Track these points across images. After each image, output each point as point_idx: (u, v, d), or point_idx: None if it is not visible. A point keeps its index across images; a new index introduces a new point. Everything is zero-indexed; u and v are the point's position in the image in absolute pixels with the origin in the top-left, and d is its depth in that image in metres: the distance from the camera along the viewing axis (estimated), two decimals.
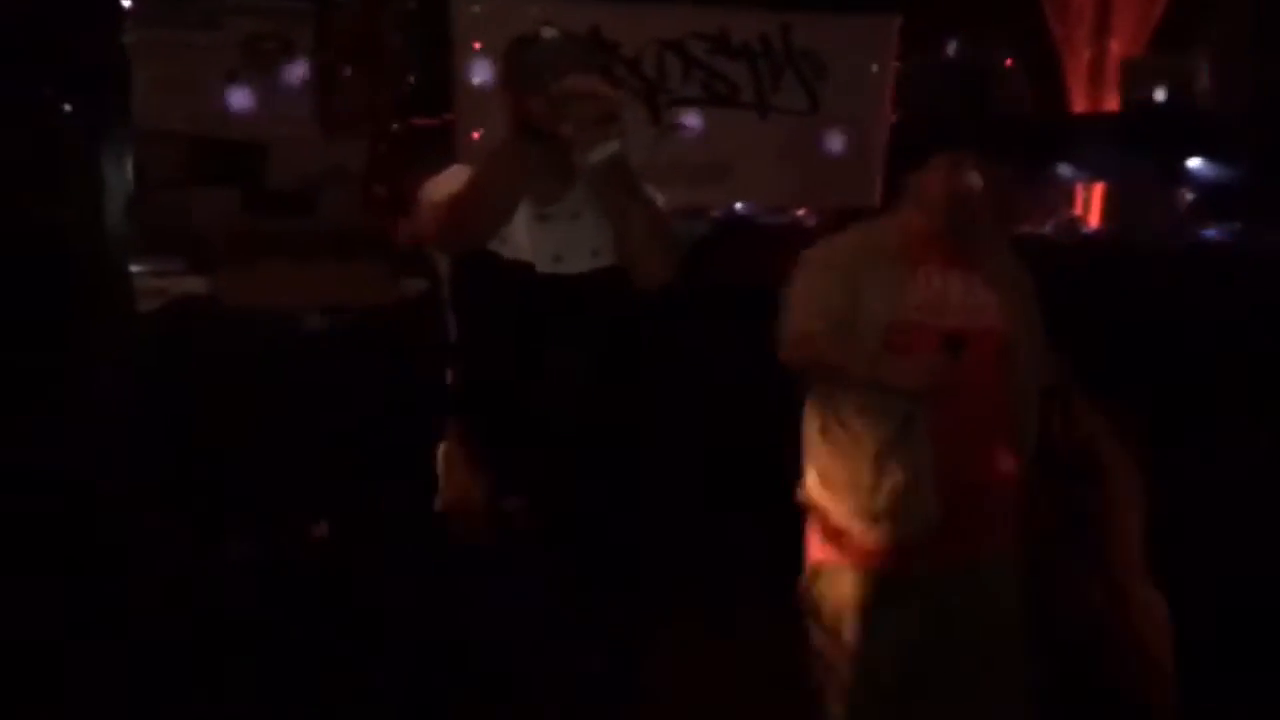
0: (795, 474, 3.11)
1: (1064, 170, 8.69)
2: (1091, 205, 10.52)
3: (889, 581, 2.92)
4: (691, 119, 5.72)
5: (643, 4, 5.84)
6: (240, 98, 5.77)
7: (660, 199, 2.73)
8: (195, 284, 4.78)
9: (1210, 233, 6.91)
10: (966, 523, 2.89)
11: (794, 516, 3.15)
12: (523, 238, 2.66)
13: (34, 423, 3.67)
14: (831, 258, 2.98)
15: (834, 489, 2.99)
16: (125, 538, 3.80)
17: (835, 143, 5.98)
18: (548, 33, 2.74)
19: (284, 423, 4.12)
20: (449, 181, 2.70)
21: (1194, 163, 7.31)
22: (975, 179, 2.87)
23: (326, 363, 4.26)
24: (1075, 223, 8.79)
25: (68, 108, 4.75)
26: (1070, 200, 10.07)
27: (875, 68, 6.04)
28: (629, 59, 5.57)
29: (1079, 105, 11.59)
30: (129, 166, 5.06)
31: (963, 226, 2.90)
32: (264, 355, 4.26)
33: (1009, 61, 11.96)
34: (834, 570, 3.00)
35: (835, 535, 3.00)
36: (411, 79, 6.40)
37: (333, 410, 4.19)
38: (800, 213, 8.52)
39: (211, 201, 5.27)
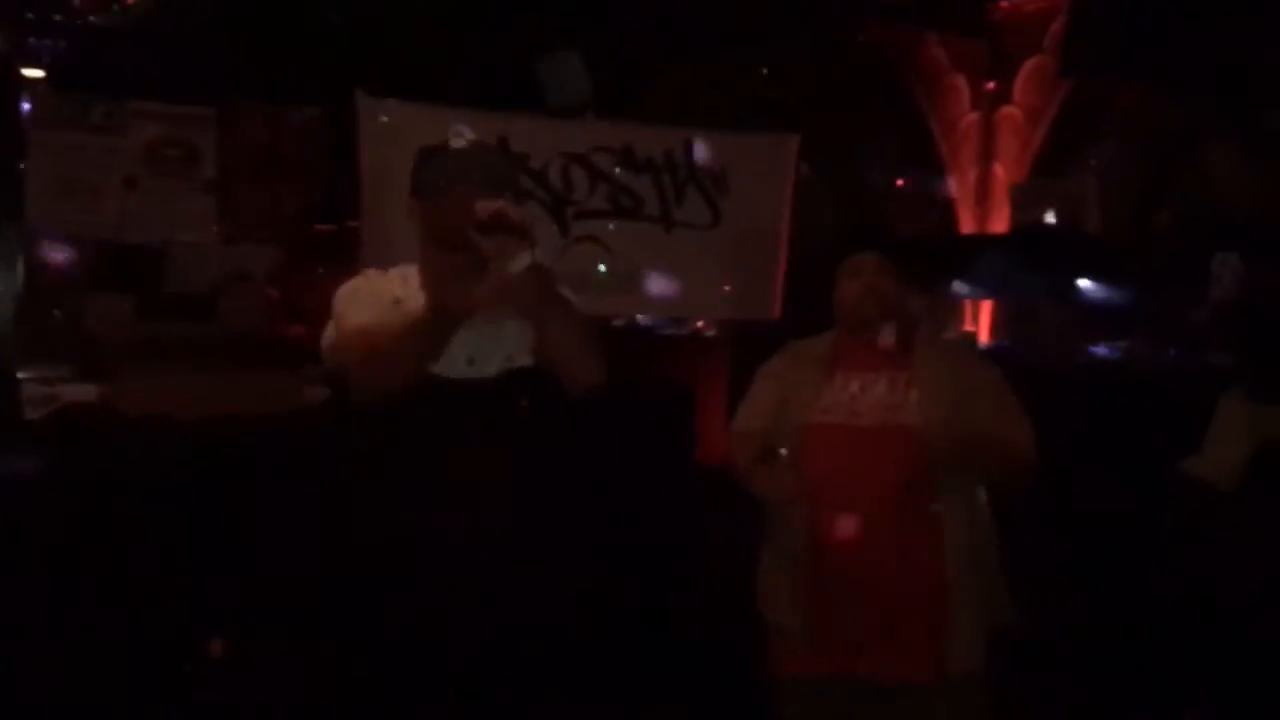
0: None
1: (957, 287, 8.96)
2: (981, 321, 10.87)
3: (795, 689, 2.96)
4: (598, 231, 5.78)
5: (550, 118, 5.92)
6: (139, 203, 5.68)
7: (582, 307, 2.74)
8: (86, 391, 4.62)
9: (1100, 350, 7.15)
10: (872, 628, 2.89)
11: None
12: None
13: None
14: (769, 367, 3.19)
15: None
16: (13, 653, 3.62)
17: (736, 256, 6.07)
18: (457, 142, 2.76)
19: (180, 536, 3.98)
20: (360, 303, 2.69)
21: (1082, 282, 7.59)
22: (877, 281, 3.01)
23: (227, 472, 4.14)
24: (969, 338, 9.03)
25: None
26: (962, 317, 10.38)
27: (775, 184, 6.17)
28: (536, 171, 5.63)
29: (966, 225, 12.02)
30: (20, 269, 4.93)
31: (875, 321, 3.00)
32: (159, 465, 4.13)
33: (900, 182, 12.40)
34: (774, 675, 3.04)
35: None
36: (315, 185, 6.38)
37: (230, 523, 4.06)
38: (700, 324, 8.65)
39: (106, 306, 5.14)
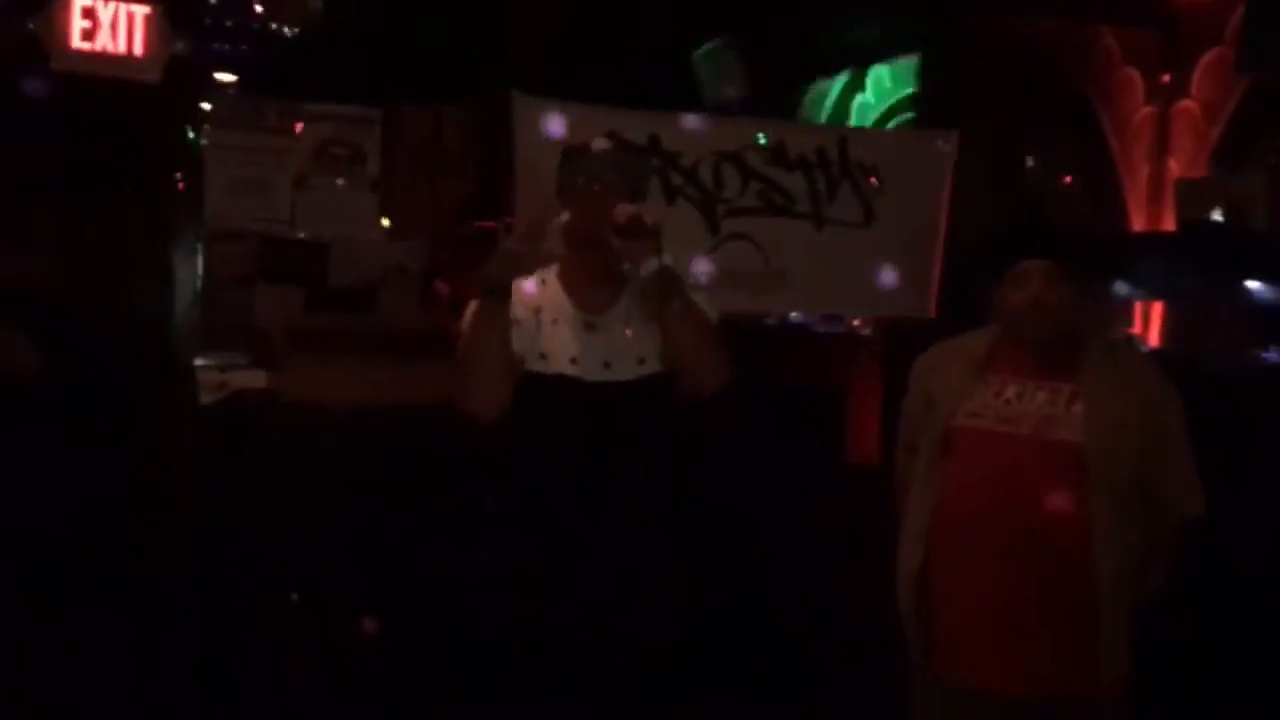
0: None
1: (1120, 288, 8.65)
2: (1151, 324, 10.46)
3: (928, 698, 2.92)
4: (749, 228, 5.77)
5: (702, 115, 5.94)
6: (308, 200, 5.94)
7: (713, 309, 2.76)
8: (255, 378, 4.86)
9: (1272, 355, 6.82)
10: (1016, 638, 2.82)
11: None
12: (572, 345, 2.70)
13: (96, 511, 3.72)
14: (918, 368, 3.10)
15: None
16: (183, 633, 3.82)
17: (890, 255, 5.99)
18: (598, 144, 2.81)
19: (337, 518, 4.15)
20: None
21: (1252, 283, 7.24)
22: (1051, 290, 2.83)
23: (382, 459, 4.30)
24: (1134, 341, 8.72)
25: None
26: (1130, 319, 10.02)
27: (932, 181, 6.06)
28: (686, 168, 5.65)
29: (1138, 223, 11.59)
30: (199, 264, 5.22)
31: (1044, 337, 2.88)
32: (320, 451, 4.32)
33: (1068, 179, 12.03)
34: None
35: None
36: (474, 182, 6.55)
37: (387, 507, 4.22)
38: (855, 322, 8.57)
39: (274, 299, 5.39)
